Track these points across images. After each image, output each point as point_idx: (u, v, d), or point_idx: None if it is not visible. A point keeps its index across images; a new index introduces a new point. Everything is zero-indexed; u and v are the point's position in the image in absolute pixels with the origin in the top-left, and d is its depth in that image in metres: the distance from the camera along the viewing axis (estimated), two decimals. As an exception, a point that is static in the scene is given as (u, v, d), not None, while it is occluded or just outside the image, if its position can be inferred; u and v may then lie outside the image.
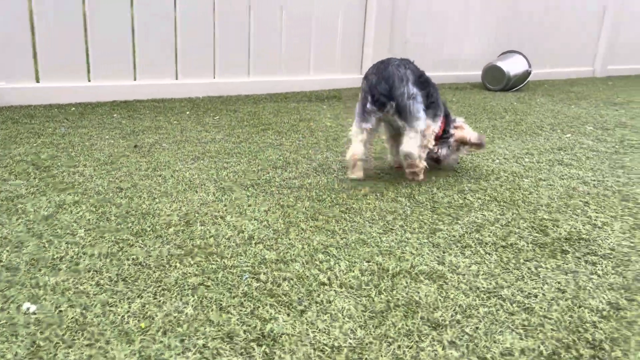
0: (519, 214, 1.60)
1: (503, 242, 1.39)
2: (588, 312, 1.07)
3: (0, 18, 2.66)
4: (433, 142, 1.89)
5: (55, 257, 1.19)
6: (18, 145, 2.03)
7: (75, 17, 2.87)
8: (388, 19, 4.15)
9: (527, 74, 4.57)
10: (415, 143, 1.78)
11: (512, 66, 4.53)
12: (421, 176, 1.88)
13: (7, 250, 1.20)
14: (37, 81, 2.86)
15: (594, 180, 1.97)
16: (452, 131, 1.97)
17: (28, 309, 0.99)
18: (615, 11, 6.17)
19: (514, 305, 1.09)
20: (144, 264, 1.18)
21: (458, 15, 4.77)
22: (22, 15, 2.71)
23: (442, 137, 1.95)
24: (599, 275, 1.23)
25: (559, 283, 1.19)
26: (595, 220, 1.57)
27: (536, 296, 1.13)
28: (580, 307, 1.09)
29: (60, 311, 0.99)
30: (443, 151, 1.97)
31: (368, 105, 1.77)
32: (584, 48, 6.20)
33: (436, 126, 1.89)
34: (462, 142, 1.99)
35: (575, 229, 1.50)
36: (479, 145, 1.99)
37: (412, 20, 4.43)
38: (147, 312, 1.01)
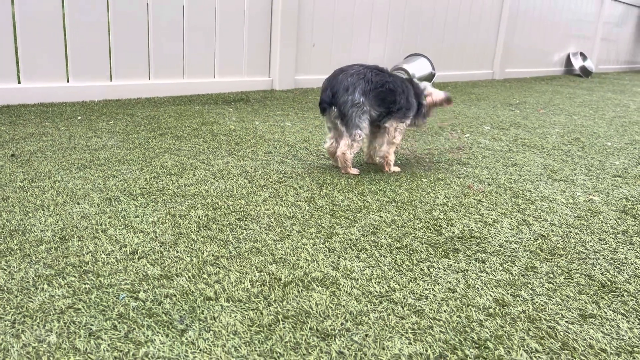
0: (415, 214, 1.61)
1: (398, 243, 1.39)
2: (475, 311, 1.08)
3: None
4: (400, 139, 2.08)
5: None
6: None
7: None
8: (294, 23, 4.12)
9: (431, 76, 4.73)
10: (344, 146, 1.96)
11: (417, 68, 4.67)
12: (394, 168, 2.10)
13: None
14: None
15: (488, 178, 2.05)
16: (424, 102, 2.14)
17: None
18: (510, 16, 6.57)
19: (405, 308, 1.08)
20: (4, 289, 1.05)
21: (363, 20, 4.85)
22: None
23: (417, 110, 2.11)
24: (487, 273, 1.25)
25: (449, 283, 1.19)
26: (486, 217, 1.62)
27: (427, 298, 1.12)
28: (468, 306, 1.10)
29: None
30: (419, 120, 2.16)
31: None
32: (484, 51, 6.55)
33: (405, 124, 2.07)
34: (434, 105, 2.18)
35: (467, 227, 1.53)
36: (448, 101, 2.18)
37: (318, 23, 4.44)
38: (1, 344, 0.88)
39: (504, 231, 1.52)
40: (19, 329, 0.93)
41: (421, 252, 1.35)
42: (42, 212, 1.44)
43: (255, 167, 2.02)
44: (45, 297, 1.03)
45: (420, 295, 1.13)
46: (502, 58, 6.74)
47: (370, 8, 4.86)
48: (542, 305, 1.12)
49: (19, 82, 2.90)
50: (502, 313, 1.08)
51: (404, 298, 1.12)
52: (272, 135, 2.60)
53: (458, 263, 1.30)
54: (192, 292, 1.09)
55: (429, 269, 1.25)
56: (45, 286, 1.07)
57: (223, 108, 3.27)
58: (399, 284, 1.17)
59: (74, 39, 3.04)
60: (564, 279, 1.25)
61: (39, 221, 1.38)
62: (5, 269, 1.12)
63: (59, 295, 1.04)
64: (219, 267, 1.20)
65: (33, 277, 1.10)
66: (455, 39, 5.99)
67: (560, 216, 1.68)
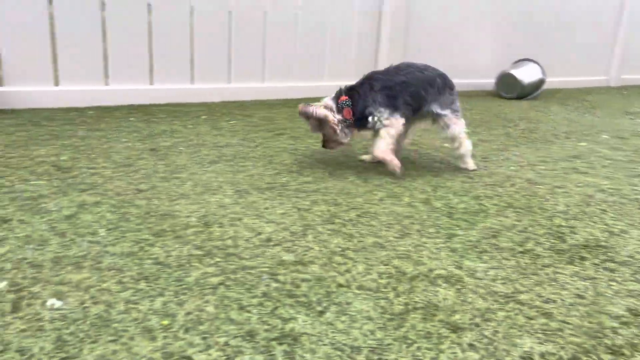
0: (535, 220, 1.60)
1: (520, 247, 1.39)
2: (607, 318, 1.07)
3: (21, 23, 2.71)
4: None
5: (78, 255, 1.21)
6: (39, 147, 2.06)
7: (94, 22, 2.92)
8: (402, 27, 4.16)
9: (541, 82, 4.56)
10: None
11: (526, 74, 4.52)
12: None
13: (32, 248, 1.23)
14: (56, 85, 2.91)
15: (611, 189, 1.97)
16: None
17: (53, 304, 1.01)
18: (630, 22, 6.14)
19: (533, 310, 1.09)
20: (165, 264, 1.20)
21: (471, 24, 4.78)
22: (42, 19, 2.77)
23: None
24: (617, 282, 1.23)
25: (577, 289, 1.19)
26: (612, 227, 1.57)
27: (555, 301, 1.13)
28: (599, 313, 1.09)
29: (85, 307, 1.01)
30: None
31: None
32: (599, 57, 6.17)
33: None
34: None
35: (592, 236, 1.50)
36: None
37: (426, 28, 4.45)
38: (168, 310, 1.02)
39: (633, 242, 1.46)
40: (181, 299, 1.06)
41: (545, 257, 1.34)
42: (185, 200, 1.61)
43: (368, 168, 2.09)
44: (199, 274, 1.16)
45: (547, 298, 1.14)
46: (619, 63, 6.31)
47: (477, 12, 4.78)
48: (681, 319, 1.08)
49: (151, 84, 3.20)
50: (636, 322, 1.06)
51: (530, 300, 1.13)
52: (382, 138, 2.66)
53: (585, 271, 1.28)
54: (325, 278, 1.18)
55: (554, 274, 1.25)
56: (198, 264, 1.21)
57: (331, 111, 3.38)
58: (524, 287, 1.18)
59: (199, 46, 3.30)
60: None
61: (183, 208, 1.54)
62: (162, 247, 1.28)
63: (210, 273, 1.17)
64: (347, 258, 1.28)
65: (186, 256, 1.24)
66: (567, 43, 5.71)
67: (695, 231, 1.58)
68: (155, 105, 3.15)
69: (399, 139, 2.06)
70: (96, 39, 2.95)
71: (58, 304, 1.01)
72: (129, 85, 3.10)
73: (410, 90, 1.99)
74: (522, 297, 1.14)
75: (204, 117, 2.91)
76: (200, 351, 0.91)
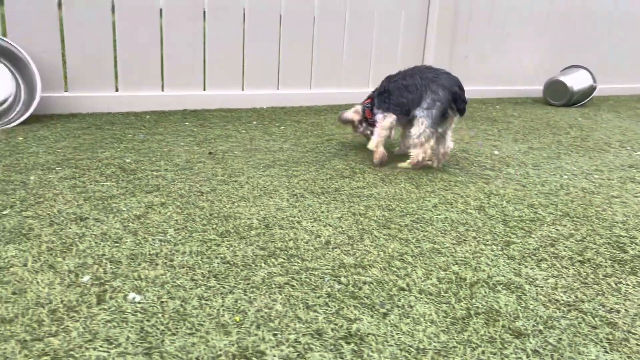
0: (593, 230, 1.58)
1: (580, 257, 1.39)
2: (674, 330, 1.06)
3: (85, 32, 2.86)
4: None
5: (151, 253, 1.28)
6: (104, 150, 2.17)
7: (153, 32, 3.04)
8: (448, 33, 4.16)
9: (591, 89, 4.46)
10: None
11: (576, 81, 4.43)
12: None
13: (109, 245, 1.31)
14: (116, 90, 3.04)
15: (670, 199, 1.92)
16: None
17: (134, 298, 1.08)
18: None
19: (596, 319, 1.09)
20: (232, 263, 1.26)
21: (518, 29, 4.72)
22: (104, 29, 2.91)
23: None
24: (683, 294, 1.21)
25: (641, 300, 1.18)
26: (674, 239, 1.54)
27: (618, 311, 1.13)
28: (665, 324, 1.08)
29: (162, 302, 1.07)
30: None
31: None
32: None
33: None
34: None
35: (654, 247, 1.48)
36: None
37: (472, 34, 4.43)
38: (239, 307, 1.07)
39: (698, 254, 1.44)
40: (250, 297, 1.12)
41: (606, 267, 1.33)
42: (245, 202, 1.67)
43: (420, 174, 2.11)
44: (265, 273, 1.22)
45: (610, 308, 1.14)
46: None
47: (527, 17, 4.72)
48: None
49: (205, 90, 3.30)
50: None
51: (593, 309, 1.13)
52: (430, 144, 2.67)
53: (648, 282, 1.27)
54: (386, 281, 1.21)
55: (616, 285, 1.24)
56: (263, 264, 1.26)
57: (378, 117, 3.42)
58: (586, 296, 1.19)
59: (250, 54, 3.39)
60: None
61: (244, 210, 1.60)
62: (229, 247, 1.34)
63: (275, 273, 1.22)
64: (405, 263, 1.31)
65: (252, 256, 1.30)
66: (618, 49, 5.56)
67: None
68: (207, 110, 3.25)
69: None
70: (154, 48, 3.07)
71: (138, 297, 1.08)
72: (183, 91, 3.22)
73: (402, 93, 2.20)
74: (585, 306, 1.14)
75: (254, 122, 2.98)
76: (272, 347, 0.96)
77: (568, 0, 4.94)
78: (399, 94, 2.17)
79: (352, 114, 2.44)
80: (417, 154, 2.14)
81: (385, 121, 2.21)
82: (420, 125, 2.10)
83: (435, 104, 2.08)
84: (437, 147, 2.18)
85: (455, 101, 2.10)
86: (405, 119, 2.21)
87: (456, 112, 2.13)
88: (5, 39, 2.59)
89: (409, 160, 2.20)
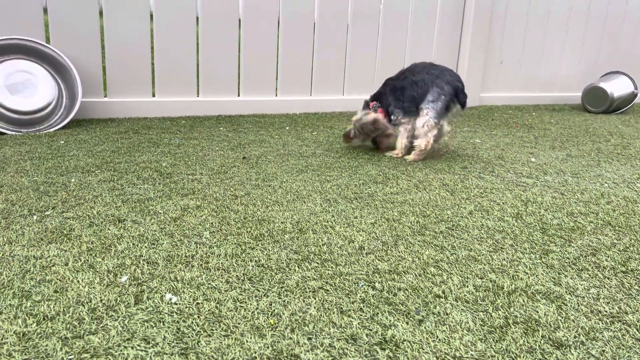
0: (637, 239, 1.53)
1: (623, 267, 1.34)
2: None
3: (124, 41, 2.93)
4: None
5: (187, 255, 1.30)
6: (141, 154, 2.22)
7: (189, 39, 3.10)
8: (484, 39, 4.10)
9: (633, 95, 4.33)
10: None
11: (616, 87, 4.31)
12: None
13: (146, 247, 1.33)
14: (153, 96, 3.11)
15: None
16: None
17: (170, 299, 1.09)
18: None
19: (642, 331, 1.05)
20: (266, 266, 1.26)
21: (556, 35, 4.62)
22: (142, 37, 2.98)
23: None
24: None
25: (689, 313, 1.13)
26: None
27: (665, 324, 1.08)
28: None
29: (198, 303, 1.09)
30: None
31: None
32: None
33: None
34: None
35: (702, 258, 1.41)
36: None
37: (509, 39, 4.36)
38: (274, 310, 1.08)
39: None
40: (285, 300, 1.12)
41: (651, 278, 1.29)
42: (279, 207, 1.68)
43: (454, 180, 2.09)
44: (299, 277, 1.22)
45: (656, 321, 1.09)
46: None
47: (566, 22, 4.62)
48: None
49: (239, 96, 3.35)
50: None
51: (638, 321, 1.09)
52: (464, 150, 2.64)
53: (697, 294, 1.21)
54: (422, 288, 1.19)
55: (662, 297, 1.20)
56: (297, 268, 1.26)
57: (411, 123, 3.40)
58: (630, 307, 1.14)
59: (284, 60, 3.42)
60: None
61: (278, 214, 1.61)
62: (263, 251, 1.35)
63: (309, 277, 1.22)
64: (441, 270, 1.29)
65: (285, 259, 1.30)
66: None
67: None
68: (241, 115, 3.29)
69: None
70: (190, 55, 3.13)
71: (174, 299, 1.10)
72: (217, 96, 3.27)
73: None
74: (629, 317, 1.10)
75: (287, 127, 3.00)
76: (307, 350, 0.95)
77: (608, 5, 4.82)
78: (411, 89, 2.37)
79: (374, 114, 2.44)
80: (421, 143, 2.34)
81: (430, 121, 2.35)
82: (425, 116, 2.32)
83: (440, 97, 2.30)
84: (437, 137, 2.42)
85: (457, 95, 2.32)
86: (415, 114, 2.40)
87: (457, 104, 2.35)
88: (48, 45, 2.68)
89: (414, 151, 2.37)
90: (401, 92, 2.40)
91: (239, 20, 3.23)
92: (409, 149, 2.43)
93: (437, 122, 2.31)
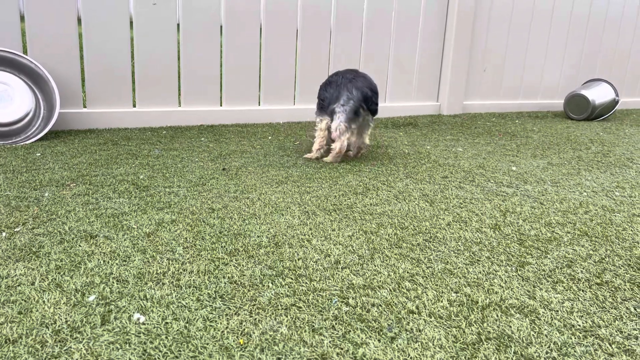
0: (613, 250, 1.53)
1: (597, 279, 1.34)
2: (697, 359, 1.01)
3: (103, 49, 2.90)
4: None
5: (158, 272, 1.28)
6: (119, 166, 2.19)
7: (170, 48, 3.08)
8: (467, 47, 4.13)
9: (614, 102, 4.37)
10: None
11: (598, 95, 4.35)
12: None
13: (117, 264, 1.31)
14: (134, 106, 3.08)
15: (695, 218, 1.86)
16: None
17: (138, 319, 1.07)
18: None
19: (614, 345, 1.05)
20: (239, 283, 1.24)
21: (538, 44, 4.67)
22: (122, 46, 2.95)
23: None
24: None
25: (662, 326, 1.13)
26: (699, 260, 1.48)
27: (637, 338, 1.08)
28: (687, 353, 1.03)
29: (167, 323, 1.06)
30: None
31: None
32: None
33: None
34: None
35: (677, 269, 1.42)
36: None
37: (492, 47, 4.39)
38: (244, 329, 1.06)
39: None
40: (256, 319, 1.10)
41: (625, 290, 1.28)
42: (255, 220, 1.66)
43: (434, 190, 2.08)
44: (272, 294, 1.20)
45: (628, 334, 1.09)
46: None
47: (548, 30, 4.66)
48: None
49: (221, 105, 3.33)
50: None
51: (610, 335, 1.09)
52: (446, 160, 2.64)
53: (670, 306, 1.21)
54: (396, 304, 1.18)
55: (635, 309, 1.20)
56: (270, 284, 1.24)
57: (393, 132, 3.40)
58: (603, 321, 1.14)
59: (267, 71, 3.41)
60: None
61: (254, 228, 1.59)
62: (237, 266, 1.33)
63: (282, 294, 1.20)
64: (416, 284, 1.28)
65: (259, 276, 1.28)
66: (643, 62, 5.45)
67: None
68: (224, 125, 3.27)
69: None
70: (171, 65, 3.11)
71: (142, 318, 1.07)
72: (199, 106, 3.25)
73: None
74: (601, 331, 1.10)
75: (270, 137, 2.99)
76: (275, 371, 0.94)
77: (589, 14, 4.88)
78: (324, 89, 2.48)
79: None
80: (336, 145, 2.42)
81: (322, 124, 2.51)
82: (336, 120, 2.39)
83: (349, 101, 2.36)
84: (355, 140, 2.52)
85: (366, 102, 2.37)
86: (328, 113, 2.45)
87: (367, 111, 2.41)
88: (25, 56, 2.65)
89: (331, 154, 2.47)
90: (324, 89, 2.50)
91: (221, 27, 3.21)
92: (327, 150, 2.55)
93: (347, 125, 2.38)
